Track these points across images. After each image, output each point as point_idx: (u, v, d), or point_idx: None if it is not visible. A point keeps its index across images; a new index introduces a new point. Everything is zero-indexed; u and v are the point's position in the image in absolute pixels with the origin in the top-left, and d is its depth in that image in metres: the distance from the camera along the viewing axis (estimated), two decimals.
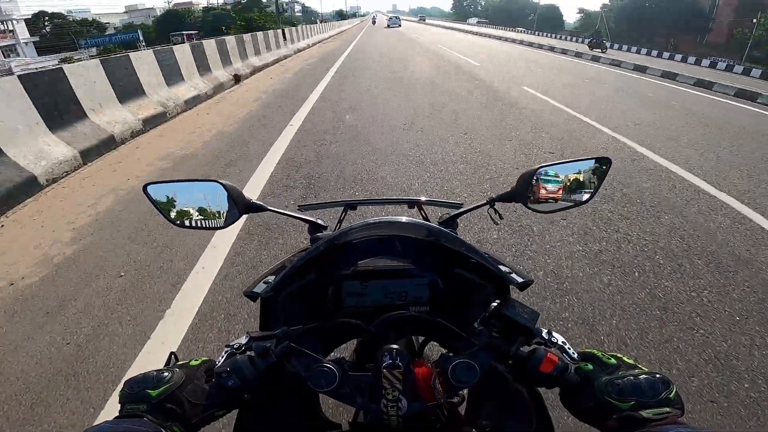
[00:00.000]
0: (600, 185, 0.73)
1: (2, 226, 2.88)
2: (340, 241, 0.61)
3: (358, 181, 3.52)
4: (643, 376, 0.43)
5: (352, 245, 0.63)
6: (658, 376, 0.43)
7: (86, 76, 4.41)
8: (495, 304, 0.51)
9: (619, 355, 0.49)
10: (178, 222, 0.70)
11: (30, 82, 3.67)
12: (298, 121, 5.47)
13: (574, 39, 36.76)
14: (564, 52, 19.64)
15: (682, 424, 0.40)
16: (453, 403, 0.51)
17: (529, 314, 0.49)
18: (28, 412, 1.51)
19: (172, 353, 0.53)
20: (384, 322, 0.57)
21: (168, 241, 2.57)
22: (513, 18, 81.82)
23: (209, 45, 7.99)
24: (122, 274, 2.29)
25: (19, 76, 3.65)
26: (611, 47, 28.46)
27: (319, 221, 0.79)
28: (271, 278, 0.62)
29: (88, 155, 4.00)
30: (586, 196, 0.72)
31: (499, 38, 29.37)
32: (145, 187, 0.68)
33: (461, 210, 0.79)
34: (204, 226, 0.70)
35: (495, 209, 0.77)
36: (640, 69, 13.77)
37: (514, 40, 26.71)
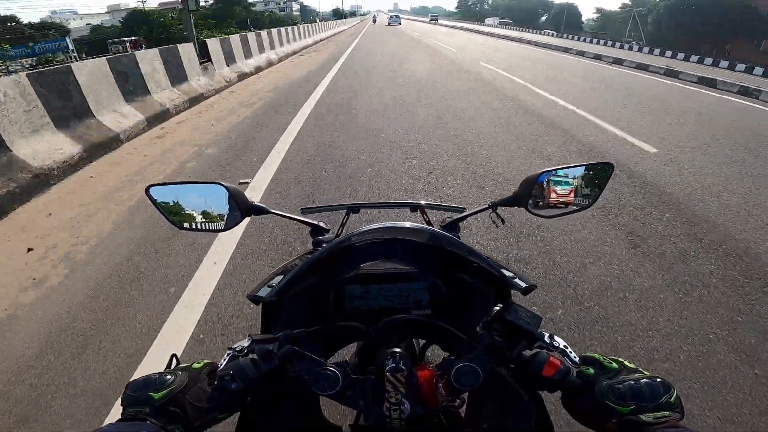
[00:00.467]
0: (602, 190, 0.74)
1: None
2: (347, 244, 0.61)
3: None
4: (644, 380, 0.44)
5: (354, 249, 0.63)
6: (659, 380, 0.44)
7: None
8: (497, 308, 0.51)
9: (620, 359, 0.49)
10: (179, 224, 0.70)
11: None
12: None
13: (611, 44, 29.47)
14: (645, 68, 12.83)
15: (681, 427, 0.40)
16: (454, 405, 0.51)
17: (531, 318, 0.49)
18: None
19: (173, 355, 0.53)
20: (386, 325, 0.57)
21: None
22: (529, 18, 77.55)
23: None
24: None
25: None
26: (652, 52, 23.56)
27: (322, 224, 0.79)
28: (275, 281, 0.61)
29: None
30: (588, 201, 0.74)
31: (546, 46, 20.91)
32: (147, 189, 0.68)
33: (463, 214, 0.81)
34: (206, 228, 0.70)
35: (497, 213, 0.78)
36: None
37: (565, 49, 18.93)
